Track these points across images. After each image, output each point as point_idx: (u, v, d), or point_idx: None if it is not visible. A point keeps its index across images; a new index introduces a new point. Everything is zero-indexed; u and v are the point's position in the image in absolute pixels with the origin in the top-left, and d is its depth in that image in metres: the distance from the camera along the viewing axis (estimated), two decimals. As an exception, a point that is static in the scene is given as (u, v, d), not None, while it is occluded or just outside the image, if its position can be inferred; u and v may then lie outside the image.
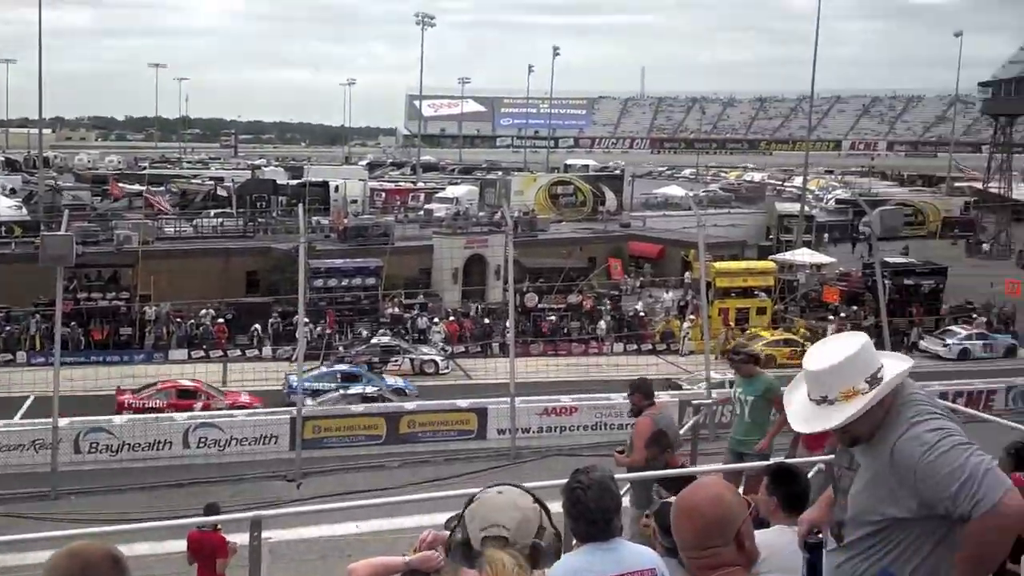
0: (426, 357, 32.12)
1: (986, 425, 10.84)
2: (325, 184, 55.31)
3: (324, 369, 28.69)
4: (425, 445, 21.21)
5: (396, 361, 31.25)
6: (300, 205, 22.95)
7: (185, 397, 25.16)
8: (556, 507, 3.08)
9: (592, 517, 3.05)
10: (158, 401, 24.69)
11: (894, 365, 2.87)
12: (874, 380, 2.80)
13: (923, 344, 34.92)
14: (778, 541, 3.16)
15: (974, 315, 37.70)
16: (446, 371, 31.95)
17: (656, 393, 23.25)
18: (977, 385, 24.94)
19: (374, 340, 32.73)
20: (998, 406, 23.16)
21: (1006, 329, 36.49)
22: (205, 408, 23.99)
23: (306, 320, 25.81)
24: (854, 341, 2.89)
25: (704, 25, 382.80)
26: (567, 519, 3.12)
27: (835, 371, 2.82)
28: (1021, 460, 4.72)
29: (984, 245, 54.26)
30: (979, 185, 64.80)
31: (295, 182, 57.60)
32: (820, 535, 2.96)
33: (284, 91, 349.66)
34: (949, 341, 34.49)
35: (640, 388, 8.35)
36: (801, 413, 2.92)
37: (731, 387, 10.21)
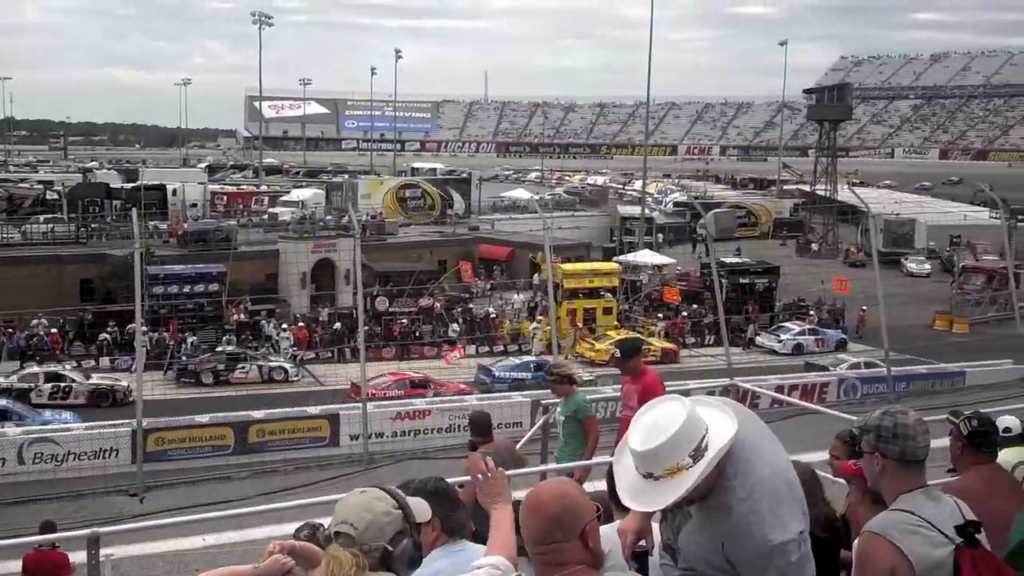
0: (274, 364, 31.45)
1: (819, 416, 11.47)
2: (162, 187, 53.30)
3: (516, 361, 30.70)
4: (275, 454, 20.74)
5: (243, 368, 30.46)
6: (135, 209, 21.99)
7: (416, 387, 27.17)
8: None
9: None
10: (396, 391, 26.11)
11: (719, 431, 2.80)
12: (698, 453, 2.74)
13: (759, 340, 36.52)
14: (615, 537, 3.20)
15: (808, 311, 39.70)
16: (296, 378, 31.34)
17: (508, 395, 23.39)
18: (811, 378, 26.23)
19: (219, 348, 31.87)
20: (831, 398, 24.37)
21: (836, 325, 38.56)
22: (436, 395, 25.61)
23: (144, 329, 24.83)
24: (675, 416, 2.79)
25: (545, 31, 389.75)
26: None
27: (656, 452, 2.76)
28: (857, 447, 4.95)
29: (813, 245, 57.08)
30: (807, 187, 68.18)
31: (130, 185, 55.24)
32: (644, 544, 3.02)
33: (116, 91, 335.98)
34: (783, 337, 36.18)
35: (472, 424, 7.78)
36: (630, 488, 2.86)
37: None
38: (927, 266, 51.25)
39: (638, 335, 31.06)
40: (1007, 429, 5.24)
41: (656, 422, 2.81)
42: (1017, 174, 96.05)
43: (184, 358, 31.26)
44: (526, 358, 31.85)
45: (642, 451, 2.78)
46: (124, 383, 28.38)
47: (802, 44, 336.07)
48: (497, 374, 29.91)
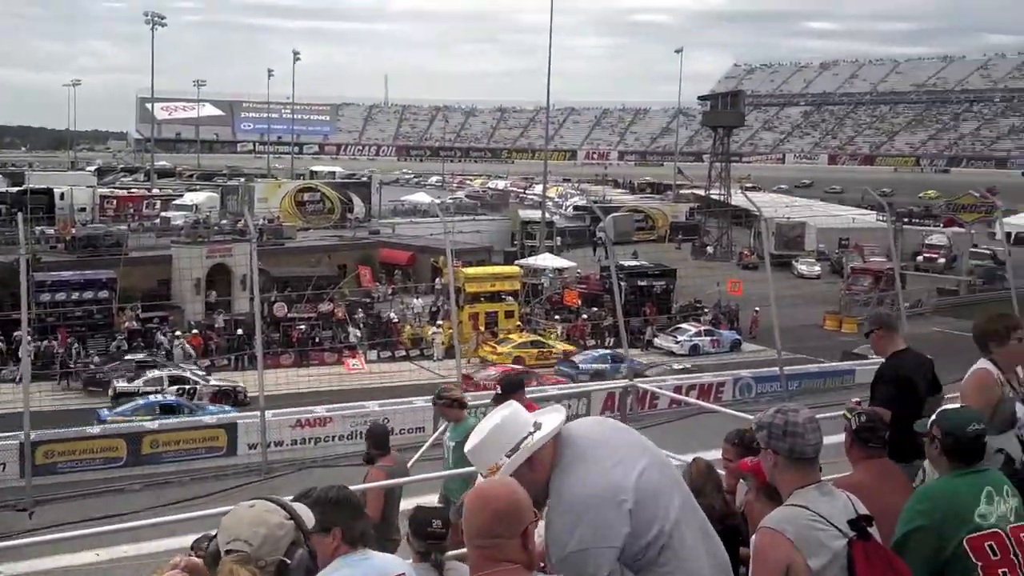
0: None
1: (716, 416, 11.71)
2: (49, 191, 51.47)
3: (596, 353, 31.39)
4: (170, 465, 20.19)
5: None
6: (20, 214, 21.18)
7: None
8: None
9: None
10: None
11: (540, 434, 3.01)
12: (512, 452, 2.96)
13: (657, 341, 37.15)
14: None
15: (704, 312, 40.53)
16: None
17: (410, 400, 23.26)
18: (707, 378, 26.76)
19: (128, 356, 31.08)
20: (727, 397, 24.93)
21: (730, 326, 39.47)
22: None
23: (30, 338, 23.91)
24: (495, 417, 3.07)
25: (446, 35, 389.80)
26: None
27: (477, 451, 3.04)
28: (747, 447, 5.05)
29: (708, 248, 58.38)
30: (702, 192, 69.70)
31: (15, 189, 53.26)
32: None
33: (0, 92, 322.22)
34: (680, 338, 36.86)
35: (368, 435, 7.48)
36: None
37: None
38: (817, 268, 52.78)
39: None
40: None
41: (481, 425, 3.09)
42: (902, 178, 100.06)
43: (77, 366, 30.25)
44: (603, 350, 33.23)
45: (468, 452, 3.08)
46: (242, 384, 28.94)
47: (697, 52, 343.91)
48: (582, 366, 30.95)
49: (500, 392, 7.64)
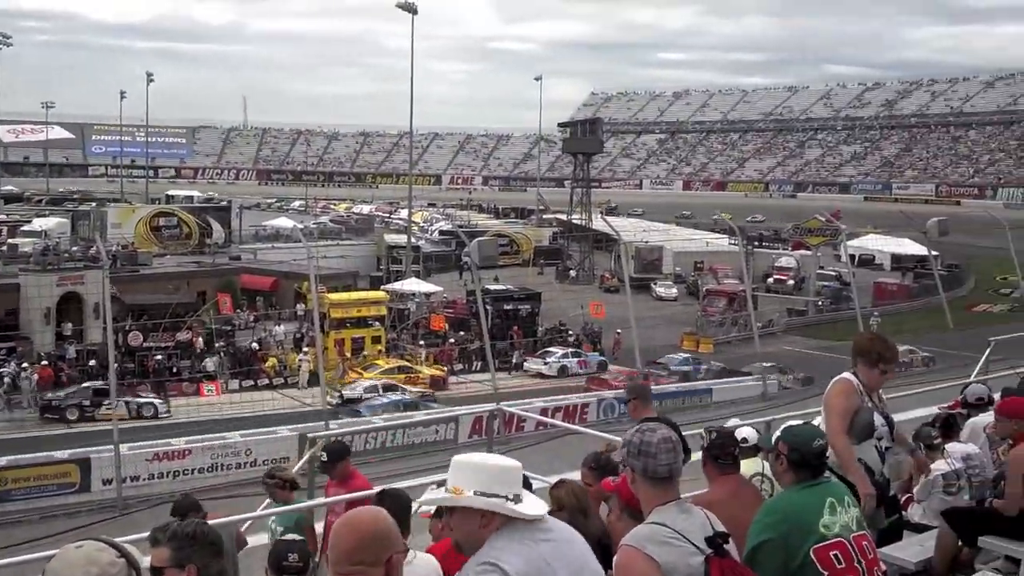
0: (143, 400, 29.78)
1: (581, 437, 11.95)
2: None
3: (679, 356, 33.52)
4: (19, 503, 19.21)
5: (110, 405, 28.17)
6: None
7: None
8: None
9: None
10: None
11: (522, 504, 3.01)
12: (486, 495, 2.96)
13: (527, 364, 37.47)
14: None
15: (568, 335, 41.14)
16: (166, 415, 29.53)
17: (275, 429, 22.77)
18: (573, 400, 27.21)
19: (86, 384, 30.38)
20: (591, 418, 25.39)
21: (594, 348, 40.20)
22: None
23: None
24: (504, 461, 3.11)
25: (307, 57, 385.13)
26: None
27: (465, 466, 3.03)
28: (603, 469, 5.20)
29: (571, 272, 59.37)
30: (564, 217, 70.88)
31: None
32: None
33: None
34: (549, 360, 37.34)
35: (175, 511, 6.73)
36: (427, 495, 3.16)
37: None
38: (674, 290, 54.19)
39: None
40: (744, 439, 5.70)
41: (489, 456, 3.21)
42: (752, 203, 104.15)
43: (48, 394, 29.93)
44: (682, 354, 35.36)
45: (458, 459, 3.11)
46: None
47: (556, 79, 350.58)
48: (672, 367, 33.37)
49: (326, 458, 7.61)
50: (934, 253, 32.07)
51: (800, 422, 4.75)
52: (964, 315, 40.96)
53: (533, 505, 3.05)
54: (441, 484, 3.15)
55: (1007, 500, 5.00)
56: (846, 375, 5.17)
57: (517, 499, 3.00)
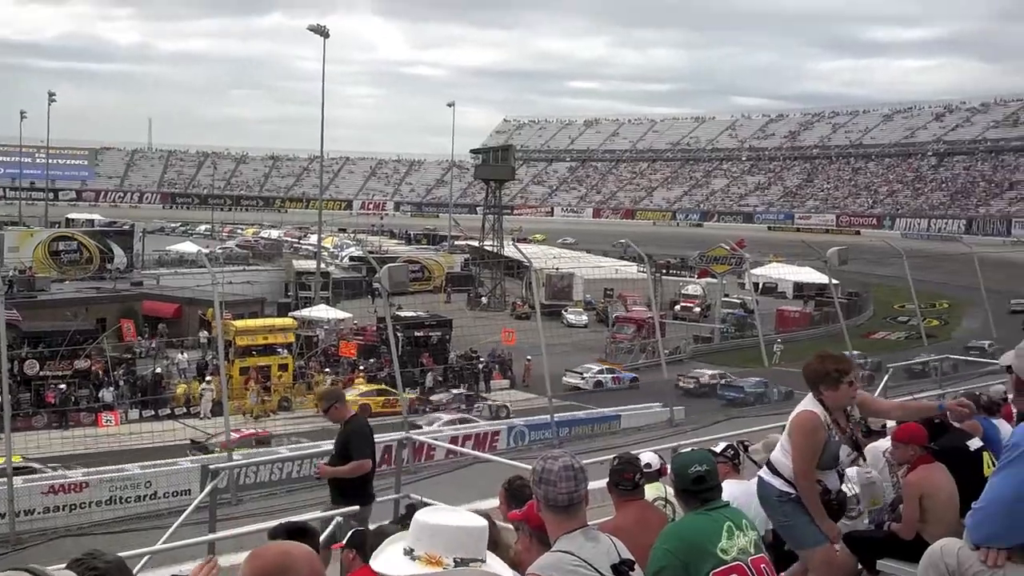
0: None
1: (491, 465, 11.92)
2: None
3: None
4: (-100, 541, 18.23)
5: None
6: None
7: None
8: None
9: None
10: None
11: (493, 564, 2.83)
12: (463, 563, 2.72)
13: (564, 379, 37.15)
14: None
15: (480, 362, 41.04)
16: None
17: (175, 461, 22.22)
18: (484, 427, 27.13)
19: None
20: (502, 446, 25.34)
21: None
22: None
23: None
24: (479, 521, 2.84)
25: (215, 80, 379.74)
26: None
27: (437, 532, 2.74)
28: (513, 496, 5.19)
29: (483, 298, 59.43)
30: (476, 243, 71.07)
31: None
32: None
33: None
34: (586, 375, 38.42)
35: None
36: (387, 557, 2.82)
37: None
38: (584, 317, 54.68)
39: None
40: (647, 465, 5.75)
41: (460, 515, 2.87)
42: (660, 232, 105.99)
43: None
44: (752, 379, 34.85)
45: (439, 521, 2.77)
46: None
47: (467, 106, 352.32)
48: (747, 389, 33.50)
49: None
50: (834, 281, 32.98)
51: (688, 449, 4.81)
52: (863, 342, 42.25)
53: (498, 563, 2.87)
54: (397, 535, 2.90)
55: (904, 524, 5.14)
56: (809, 408, 4.95)
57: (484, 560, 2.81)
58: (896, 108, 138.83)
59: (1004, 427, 6.18)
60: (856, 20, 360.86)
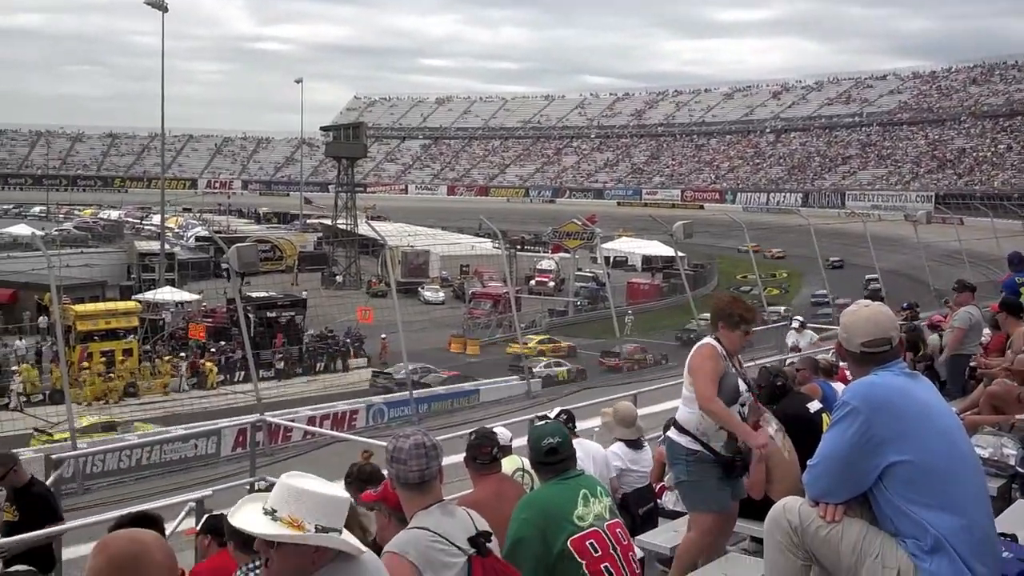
0: None
1: (349, 444, 11.81)
2: None
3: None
4: None
5: None
6: None
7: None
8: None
9: None
10: None
11: (348, 536, 2.79)
12: (323, 531, 2.71)
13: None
14: None
15: (335, 341, 40.52)
16: None
17: (20, 451, 21.26)
18: (341, 407, 26.83)
19: None
20: (360, 424, 25.14)
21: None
22: None
23: None
24: (341, 491, 2.86)
25: (47, 56, 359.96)
26: None
27: (302, 496, 2.72)
28: (362, 481, 5.18)
29: (338, 277, 58.64)
30: (329, 221, 70.00)
31: None
32: None
33: None
34: None
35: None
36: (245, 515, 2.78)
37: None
38: (441, 294, 54.80)
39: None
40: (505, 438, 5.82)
41: (331, 487, 2.84)
42: (514, 208, 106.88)
43: None
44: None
45: (301, 486, 2.75)
46: None
47: (318, 83, 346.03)
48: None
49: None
50: (680, 254, 33.95)
51: (541, 422, 4.88)
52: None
53: (352, 539, 2.84)
54: (253, 495, 2.87)
55: (752, 485, 5.37)
56: (708, 340, 5.18)
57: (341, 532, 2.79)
58: (736, 87, 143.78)
59: (841, 389, 6.53)
60: (699, 2, 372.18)
